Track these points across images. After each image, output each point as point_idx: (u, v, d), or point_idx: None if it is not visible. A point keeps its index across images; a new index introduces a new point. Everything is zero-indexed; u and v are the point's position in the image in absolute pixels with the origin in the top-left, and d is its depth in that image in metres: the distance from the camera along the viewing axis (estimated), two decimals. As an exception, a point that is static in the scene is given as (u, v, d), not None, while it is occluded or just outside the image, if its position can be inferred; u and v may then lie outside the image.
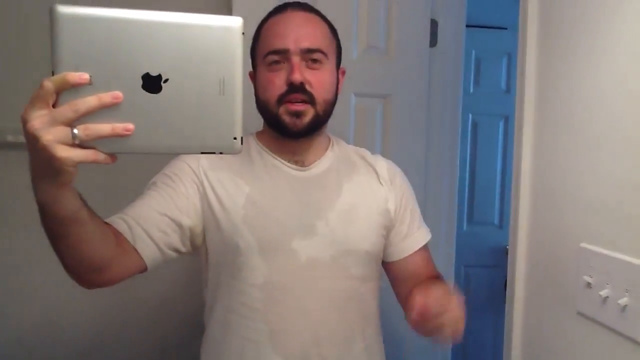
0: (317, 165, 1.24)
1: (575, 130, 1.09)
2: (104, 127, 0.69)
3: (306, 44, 1.14)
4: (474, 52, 2.91)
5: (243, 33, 0.72)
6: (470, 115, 2.93)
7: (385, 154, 1.92)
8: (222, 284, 1.19)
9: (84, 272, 0.98)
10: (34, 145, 0.69)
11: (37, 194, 0.79)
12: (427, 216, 2.00)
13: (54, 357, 1.90)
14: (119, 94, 0.69)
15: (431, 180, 2.05)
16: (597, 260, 1.01)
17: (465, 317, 1.05)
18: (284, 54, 1.13)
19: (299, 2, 1.22)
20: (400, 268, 1.29)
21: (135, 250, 1.06)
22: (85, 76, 0.68)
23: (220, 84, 0.72)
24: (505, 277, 1.32)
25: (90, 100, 0.68)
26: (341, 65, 1.26)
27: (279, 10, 1.20)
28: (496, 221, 2.95)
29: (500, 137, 2.97)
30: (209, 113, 0.72)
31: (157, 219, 1.09)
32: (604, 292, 0.99)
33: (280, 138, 1.20)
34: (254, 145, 1.25)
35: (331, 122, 1.24)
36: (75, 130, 0.69)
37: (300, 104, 1.13)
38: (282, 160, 1.22)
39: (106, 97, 0.68)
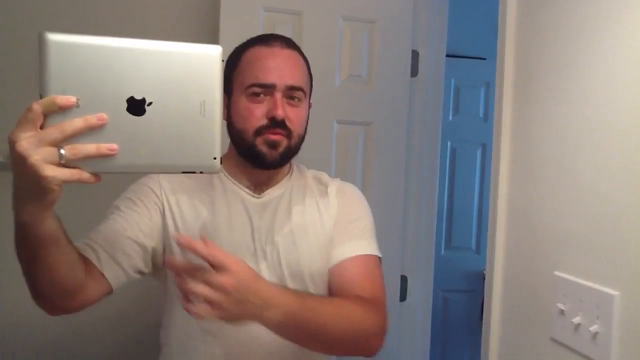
0: (271, 191, 1.26)
1: (550, 160, 1.13)
2: (89, 147, 0.72)
3: (290, 82, 1.17)
4: (453, 81, 3.00)
5: (223, 60, 0.77)
6: (449, 143, 3.00)
7: (365, 181, 1.99)
8: (178, 308, 1.17)
9: (57, 297, 0.99)
10: (21, 165, 0.71)
11: (21, 215, 0.81)
12: (406, 241, 2.06)
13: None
14: (104, 116, 0.73)
15: (410, 206, 2.09)
16: (570, 288, 1.05)
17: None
18: (268, 89, 1.16)
19: (283, 37, 1.25)
20: (333, 276, 1.23)
21: (102, 274, 1.07)
22: (72, 99, 0.72)
23: (200, 107, 0.76)
24: (482, 301, 1.35)
25: (76, 122, 0.71)
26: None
27: (264, 41, 1.22)
28: (473, 246, 3.00)
29: (478, 164, 3.04)
30: (190, 134, 0.77)
31: (121, 242, 1.11)
32: (576, 319, 1.02)
33: (244, 166, 1.23)
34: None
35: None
36: (62, 151, 0.72)
37: (278, 135, 1.17)
38: (241, 186, 1.25)
39: (92, 119, 0.72)
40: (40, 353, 1.94)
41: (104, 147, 0.73)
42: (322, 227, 1.25)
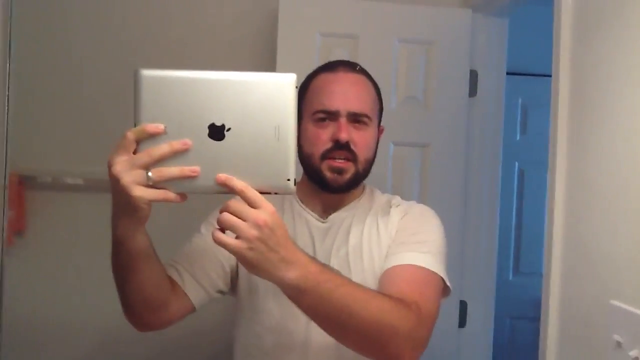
0: (336, 215, 1.26)
1: (608, 184, 1.08)
2: (173, 170, 0.80)
3: (354, 108, 1.18)
4: (520, 99, 2.91)
5: (296, 87, 0.82)
6: (517, 163, 2.90)
7: (423, 203, 1.95)
8: (242, 326, 1.24)
9: (145, 311, 1.07)
10: (115, 185, 0.80)
11: (117, 230, 0.90)
12: (466, 266, 2.01)
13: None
14: (188, 141, 0.80)
15: (470, 230, 2.04)
16: (627, 319, 0.99)
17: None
18: (332, 114, 1.18)
19: (350, 62, 1.27)
20: (378, 285, 1.14)
21: (185, 293, 1.14)
22: (160, 127, 0.79)
23: (275, 132, 0.81)
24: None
25: (163, 148, 0.79)
26: (381, 123, 1.29)
27: (330, 68, 1.24)
28: (543, 271, 2.87)
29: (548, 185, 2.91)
30: (265, 158, 0.82)
31: (202, 264, 1.18)
32: (633, 353, 0.96)
33: (315, 190, 1.24)
34: (288, 195, 1.29)
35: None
36: (150, 173, 0.79)
37: (343, 161, 1.18)
38: (308, 210, 1.27)
39: (177, 144, 0.79)
40: None
41: (187, 169, 0.80)
42: (378, 246, 1.21)
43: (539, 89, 2.84)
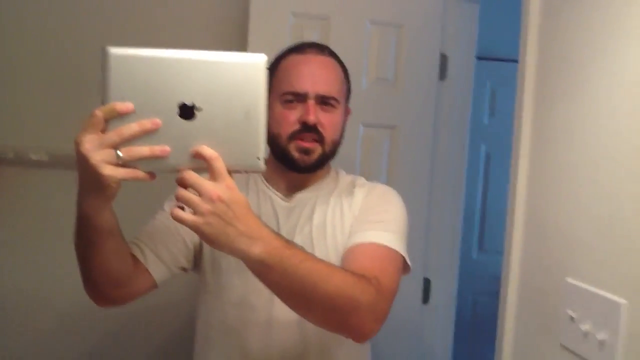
0: (301, 194, 1.29)
1: (568, 166, 1.12)
2: (143, 149, 0.80)
3: (322, 91, 1.21)
4: (488, 83, 2.95)
5: (267, 68, 0.83)
6: (484, 146, 2.96)
7: (390, 184, 1.96)
8: (207, 302, 1.27)
9: (108, 286, 1.08)
10: (84, 164, 0.80)
11: (83, 207, 0.91)
12: (431, 244, 2.06)
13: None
14: (158, 121, 0.80)
15: (435, 209, 2.09)
16: (580, 295, 1.04)
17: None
18: (300, 96, 1.20)
19: (318, 45, 1.28)
20: (342, 259, 1.16)
21: (147, 270, 1.16)
22: (130, 106, 0.80)
23: (246, 112, 0.82)
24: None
25: (133, 127, 0.80)
26: (349, 105, 1.32)
27: (299, 49, 1.26)
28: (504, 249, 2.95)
29: (514, 167, 2.98)
30: (235, 137, 0.83)
31: (164, 241, 1.19)
32: (585, 327, 1.02)
33: (280, 170, 1.26)
34: (252, 174, 1.32)
35: (338, 151, 1.29)
36: (119, 152, 0.80)
37: (311, 142, 1.20)
38: (273, 190, 1.29)
39: (147, 123, 0.80)
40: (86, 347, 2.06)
41: (157, 149, 0.80)
42: (341, 226, 1.24)
43: (508, 74, 2.89)
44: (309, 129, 1.19)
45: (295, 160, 1.21)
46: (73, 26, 2.02)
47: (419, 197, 2.01)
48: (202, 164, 0.83)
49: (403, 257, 1.18)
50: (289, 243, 0.95)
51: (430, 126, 2.03)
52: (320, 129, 1.20)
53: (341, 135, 1.28)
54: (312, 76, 1.21)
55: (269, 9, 1.92)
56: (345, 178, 1.35)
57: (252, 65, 0.83)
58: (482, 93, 2.87)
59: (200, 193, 0.83)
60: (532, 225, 1.25)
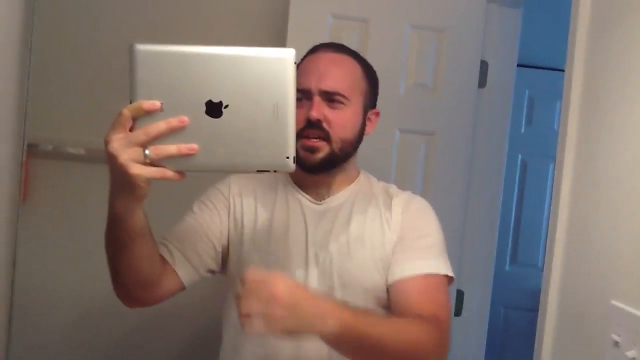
0: (333, 198, 1.27)
1: (615, 182, 1.08)
2: (171, 148, 0.79)
3: (325, 87, 1.18)
4: (527, 91, 2.90)
5: (295, 63, 0.81)
6: (520, 156, 2.90)
7: (425, 191, 1.96)
8: (233, 305, 1.23)
9: (137, 287, 1.08)
10: (113, 163, 0.80)
11: (114, 207, 0.90)
12: (465, 255, 2.02)
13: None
14: (185, 118, 0.79)
15: (471, 219, 2.04)
16: (626, 319, 0.99)
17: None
18: (306, 94, 1.18)
19: (332, 43, 1.27)
20: (392, 294, 1.19)
21: (175, 272, 1.15)
22: (157, 104, 0.79)
23: (274, 109, 0.80)
24: (542, 323, 1.30)
25: (160, 125, 0.79)
26: (377, 107, 1.29)
27: (312, 50, 1.26)
28: (540, 263, 2.89)
29: (550, 178, 2.92)
30: (264, 135, 0.81)
31: (193, 243, 1.19)
32: (630, 353, 0.97)
33: (302, 172, 1.23)
34: (282, 175, 1.30)
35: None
36: (147, 151, 0.79)
37: (316, 140, 1.18)
38: (303, 193, 1.27)
39: (174, 121, 0.79)
40: (111, 344, 2.07)
41: (185, 147, 0.79)
42: (381, 240, 1.22)
43: (546, 82, 2.85)
44: (312, 125, 1.17)
45: (301, 158, 1.17)
46: (113, 21, 2.03)
47: (454, 206, 1.97)
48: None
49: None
50: (355, 310, 0.98)
51: (468, 134, 1.99)
52: (325, 125, 1.17)
53: (356, 135, 1.24)
54: (318, 73, 1.18)
55: (308, 10, 1.91)
56: (377, 185, 1.33)
57: (280, 60, 0.81)
58: (519, 101, 2.83)
59: (263, 299, 0.86)
60: (574, 242, 1.20)
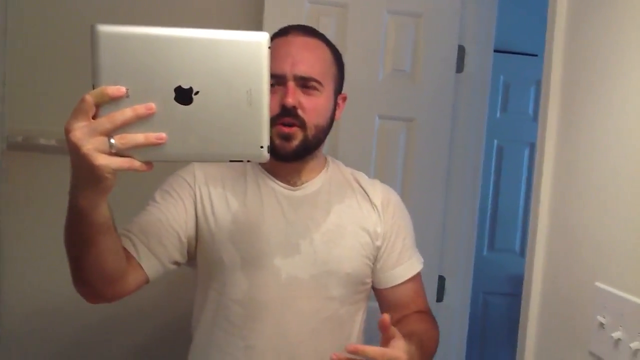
0: (308, 185, 1.25)
1: (597, 166, 1.08)
2: (138, 137, 0.74)
3: (301, 72, 1.15)
4: (502, 77, 2.91)
5: (269, 47, 0.76)
6: (496, 141, 2.92)
7: (406, 178, 1.96)
8: (207, 298, 1.21)
9: (101, 283, 1.02)
10: (75, 153, 0.74)
11: (77, 200, 0.84)
12: (446, 241, 2.02)
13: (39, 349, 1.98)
14: (152, 105, 0.74)
15: (451, 205, 2.04)
16: (611, 301, 1.00)
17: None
18: (280, 79, 1.14)
19: (302, 26, 1.23)
20: (388, 296, 1.29)
21: (140, 265, 1.11)
22: (122, 89, 0.73)
23: (247, 96, 0.76)
24: (522, 307, 1.31)
25: (126, 112, 0.73)
26: (343, 91, 1.27)
27: (281, 32, 1.21)
28: (517, 248, 2.92)
29: (525, 163, 2.95)
30: (237, 123, 0.77)
31: (157, 234, 1.13)
32: (616, 334, 0.98)
33: (275, 160, 1.21)
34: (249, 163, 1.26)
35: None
36: (112, 140, 0.74)
37: (291, 127, 1.15)
38: (274, 179, 1.24)
39: (141, 108, 0.74)
40: (69, 343, 2.01)
41: (153, 136, 0.74)
42: (363, 230, 1.24)
43: (521, 68, 2.87)
44: (288, 112, 1.13)
45: (276, 146, 1.15)
46: (85, 9, 1.96)
47: (435, 192, 1.97)
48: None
49: None
50: (417, 346, 1.05)
51: (447, 120, 1.98)
52: (300, 112, 1.14)
53: (328, 121, 1.22)
54: (291, 57, 1.15)
55: (284, -5, 1.87)
56: (346, 171, 1.33)
57: (254, 44, 0.76)
58: (495, 87, 2.83)
59: None
60: (557, 226, 1.21)
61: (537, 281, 1.25)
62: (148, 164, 0.77)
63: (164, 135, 0.75)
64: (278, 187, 1.23)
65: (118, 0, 1.98)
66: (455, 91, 1.99)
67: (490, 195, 2.92)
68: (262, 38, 0.76)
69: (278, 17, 1.84)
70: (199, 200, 1.20)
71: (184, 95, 0.75)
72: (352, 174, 1.33)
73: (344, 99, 1.28)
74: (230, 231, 1.18)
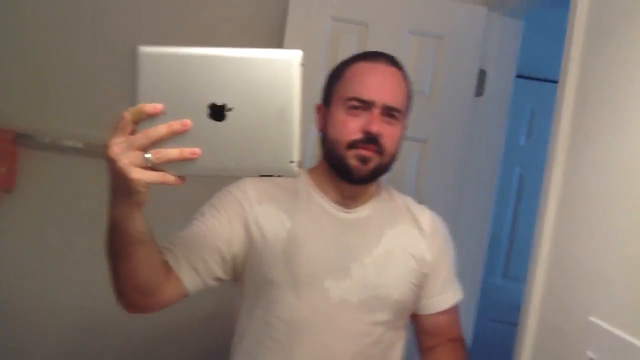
0: (361, 209, 1.26)
1: (599, 199, 1.06)
2: (172, 152, 0.77)
3: (389, 102, 1.17)
4: (530, 104, 2.87)
5: (302, 64, 0.78)
6: (518, 169, 2.87)
7: (417, 198, 1.94)
8: (253, 315, 1.22)
9: (136, 295, 1.06)
10: (112, 167, 0.78)
11: (113, 213, 0.88)
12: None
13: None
14: (187, 122, 0.76)
15: (461, 229, 2.01)
16: (603, 337, 0.98)
17: None
18: (366, 104, 1.16)
19: (389, 56, 1.24)
20: (428, 322, 1.32)
21: (179, 279, 1.12)
22: (158, 107, 0.76)
23: (279, 112, 0.78)
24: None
25: (161, 128, 0.76)
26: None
27: (368, 58, 1.22)
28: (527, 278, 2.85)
29: (548, 192, 2.88)
30: (268, 138, 0.78)
31: (200, 249, 1.15)
32: (605, 371, 0.95)
33: (333, 178, 1.23)
34: (303, 180, 1.27)
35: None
36: (148, 155, 0.77)
37: (370, 151, 1.17)
38: (328, 200, 1.25)
39: (176, 124, 0.76)
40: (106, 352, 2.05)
41: (187, 151, 0.77)
42: (412, 257, 1.26)
43: (549, 95, 2.81)
44: (370, 139, 1.16)
45: (352, 168, 1.17)
46: (114, 21, 2.03)
47: (445, 214, 1.90)
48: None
49: None
50: None
51: (462, 143, 1.97)
52: (381, 140, 1.16)
53: (399, 150, 1.25)
54: (381, 86, 1.18)
55: (307, 12, 1.90)
56: (398, 198, 1.34)
57: (287, 61, 0.78)
58: (520, 113, 2.80)
59: None
60: (557, 256, 1.19)
61: (535, 309, 1.23)
62: (181, 178, 0.79)
63: (197, 150, 0.77)
64: (331, 208, 1.24)
65: (146, 17, 2.04)
66: (473, 115, 1.98)
67: (509, 222, 2.87)
68: (294, 55, 0.78)
69: (300, 35, 1.88)
70: (251, 219, 1.20)
71: (217, 112, 0.77)
72: (402, 199, 1.35)
73: (405, 127, 1.29)
74: (281, 250, 1.19)
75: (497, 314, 2.74)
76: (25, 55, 2.01)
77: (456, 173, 1.97)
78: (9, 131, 1.94)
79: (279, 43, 1.91)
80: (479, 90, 2.00)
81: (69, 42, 2.02)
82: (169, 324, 2.01)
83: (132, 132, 0.77)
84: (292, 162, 0.79)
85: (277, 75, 0.78)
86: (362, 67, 1.20)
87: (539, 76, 2.75)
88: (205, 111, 0.77)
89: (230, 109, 0.77)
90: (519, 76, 2.19)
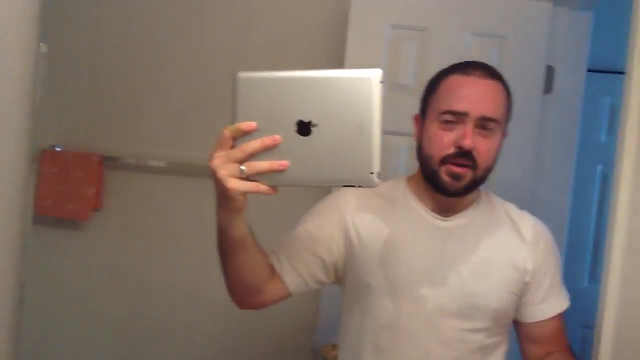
0: (459, 217, 1.26)
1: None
2: (264, 164, 0.86)
3: (484, 112, 1.16)
4: (609, 98, 2.73)
5: (381, 82, 0.85)
6: (600, 166, 2.73)
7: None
8: (351, 319, 1.29)
9: (242, 294, 1.19)
10: (214, 178, 0.89)
11: (218, 217, 1.00)
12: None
13: None
14: (277, 137, 0.85)
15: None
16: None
17: None
18: (460, 117, 1.16)
19: (485, 66, 1.24)
20: (531, 330, 1.30)
21: (282, 280, 1.22)
22: (252, 125, 0.86)
23: (359, 126, 0.85)
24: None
25: (255, 143, 0.86)
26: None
27: (463, 69, 1.22)
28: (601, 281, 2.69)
29: (635, 190, 2.72)
30: (349, 151, 0.85)
31: (301, 253, 1.23)
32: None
33: (431, 189, 1.24)
34: (401, 188, 1.30)
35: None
36: (243, 167, 0.86)
37: (463, 167, 1.17)
38: (425, 208, 1.26)
39: (267, 140, 0.85)
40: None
41: (277, 163, 0.85)
42: (512, 266, 1.25)
43: (630, 88, 2.66)
44: (463, 154, 1.16)
45: (444, 184, 1.18)
46: (191, 45, 2.14)
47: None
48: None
49: None
50: None
51: (533, 141, 1.90)
52: (474, 154, 1.16)
53: (495, 162, 1.23)
54: (476, 97, 1.17)
55: (367, 20, 1.92)
56: (498, 204, 1.33)
57: (367, 80, 0.84)
58: (599, 108, 2.67)
59: None
60: (633, 252, 1.12)
61: (611, 315, 1.16)
62: (273, 188, 0.88)
63: (286, 162, 0.85)
64: (429, 216, 1.26)
65: (219, 43, 2.13)
66: (542, 112, 1.92)
67: (593, 223, 2.73)
68: (373, 74, 0.84)
69: (361, 42, 1.90)
70: (351, 226, 1.26)
71: (304, 128, 0.85)
72: (502, 205, 1.33)
73: (505, 135, 1.28)
74: (380, 257, 1.23)
75: (587, 319, 2.59)
76: (107, 84, 2.16)
77: (528, 173, 1.91)
78: (96, 155, 2.12)
79: (340, 51, 1.93)
80: (548, 87, 1.93)
81: (149, 70, 2.16)
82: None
83: (231, 147, 0.87)
84: (372, 173, 0.85)
85: (358, 92, 0.85)
86: (456, 79, 1.20)
87: (615, 69, 2.61)
88: (293, 127, 0.85)
89: (315, 125, 0.85)
90: (593, 70, 2.10)
